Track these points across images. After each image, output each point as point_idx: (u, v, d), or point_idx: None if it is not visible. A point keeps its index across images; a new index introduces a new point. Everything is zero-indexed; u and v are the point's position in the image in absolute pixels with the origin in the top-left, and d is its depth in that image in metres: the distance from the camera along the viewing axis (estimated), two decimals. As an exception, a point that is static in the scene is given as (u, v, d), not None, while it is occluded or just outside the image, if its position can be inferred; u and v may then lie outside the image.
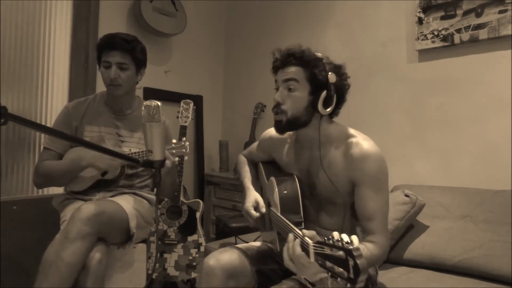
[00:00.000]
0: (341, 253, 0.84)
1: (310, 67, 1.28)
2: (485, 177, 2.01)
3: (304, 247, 0.99)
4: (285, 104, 1.30)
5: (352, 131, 1.34)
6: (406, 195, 1.80)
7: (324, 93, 1.26)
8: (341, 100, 1.32)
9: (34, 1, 2.51)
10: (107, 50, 1.71)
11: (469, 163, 2.10)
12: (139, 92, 2.91)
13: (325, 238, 0.91)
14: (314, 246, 0.95)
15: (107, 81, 1.72)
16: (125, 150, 1.75)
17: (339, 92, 1.30)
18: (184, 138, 1.64)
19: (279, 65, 1.34)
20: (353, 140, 1.29)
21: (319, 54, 1.32)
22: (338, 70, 1.31)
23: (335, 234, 0.88)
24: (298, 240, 1.04)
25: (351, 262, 0.81)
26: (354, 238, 0.85)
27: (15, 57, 2.45)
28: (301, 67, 1.29)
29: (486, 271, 1.58)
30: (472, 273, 1.61)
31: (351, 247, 0.82)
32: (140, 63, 1.78)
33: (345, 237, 0.86)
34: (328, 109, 1.28)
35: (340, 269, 0.85)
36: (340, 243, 0.85)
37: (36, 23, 2.53)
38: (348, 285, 0.83)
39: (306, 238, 0.99)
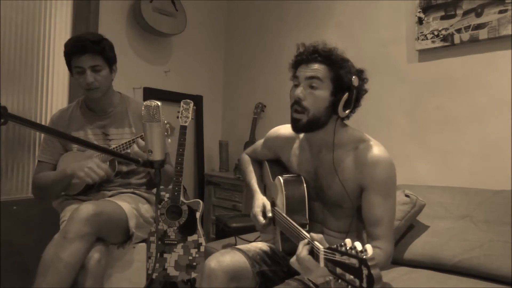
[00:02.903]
0: (353, 261, 0.83)
1: (336, 67, 1.25)
2: (485, 177, 2.00)
3: (314, 252, 0.99)
4: (306, 101, 1.26)
5: (363, 135, 1.32)
6: (406, 195, 1.80)
7: (346, 96, 1.24)
8: (357, 105, 1.31)
9: (34, 1, 2.51)
10: (77, 55, 1.66)
11: (469, 163, 2.10)
12: (139, 92, 2.93)
13: (337, 245, 0.89)
14: (325, 252, 0.93)
15: (84, 85, 1.69)
16: (114, 147, 1.73)
17: (358, 97, 1.29)
18: (166, 121, 1.59)
19: (302, 60, 1.30)
20: (364, 145, 1.27)
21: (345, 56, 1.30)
22: (361, 74, 1.30)
23: (348, 242, 0.87)
24: (307, 243, 1.03)
25: (365, 272, 0.80)
26: (368, 247, 0.83)
27: (15, 57, 2.45)
28: (326, 65, 1.26)
29: (486, 271, 1.58)
30: (472, 273, 1.60)
31: (366, 256, 0.81)
32: (112, 61, 1.75)
33: (358, 245, 0.85)
34: (347, 112, 1.26)
35: (351, 276, 0.83)
36: (353, 251, 0.84)
37: (36, 23, 2.53)
38: None
39: (316, 243, 0.99)
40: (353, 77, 1.24)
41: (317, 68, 1.26)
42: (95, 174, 1.54)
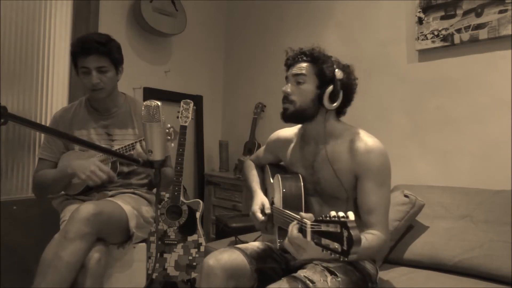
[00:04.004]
0: (336, 228, 0.87)
1: (319, 63, 1.35)
2: (485, 177, 2.01)
3: (302, 227, 1.03)
4: (293, 95, 1.37)
5: (356, 128, 1.38)
6: (406, 196, 1.80)
7: (330, 88, 1.32)
8: (348, 99, 1.38)
9: (34, 1, 2.51)
10: (83, 56, 1.65)
11: (469, 163, 2.10)
12: (139, 92, 2.93)
13: (322, 216, 0.94)
14: (311, 224, 0.98)
15: (89, 86, 1.68)
16: (117, 148, 1.73)
17: (347, 91, 1.35)
18: (169, 125, 1.60)
19: (291, 62, 1.41)
20: (358, 136, 1.34)
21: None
22: (346, 69, 1.37)
23: (332, 212, 0.92)
24: (295, 222, 1.08)
25: (345, 234, 0.84)
26: (350, 213, 0.88)
27: (15, 57, 2.45)
28: (310, 63, 1.37)
29: (486, 271, 1.58)
30: (472, 273, 1.61)
31: (346, 220, 0.86)
32: (118, 62, 1.74)
33: (341, 213, 0.89)
34: (334, 104, 1.33)
35: (335, 244, 0.87)
36: (336, 218, 0.89)
37: (36, 23, 2.53)
38: (341, 258, 0.85)
39: (305, 220, 1.03)
40: (336, 70, 1.33)
41: (302, 66, 1.37)
42: (97, 177, 1.55)
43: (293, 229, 1.07)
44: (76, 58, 1.68)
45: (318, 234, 0.94)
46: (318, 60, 1.35)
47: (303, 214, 1.07)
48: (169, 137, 1.58)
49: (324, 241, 0.91)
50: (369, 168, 1.28)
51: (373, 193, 1.28)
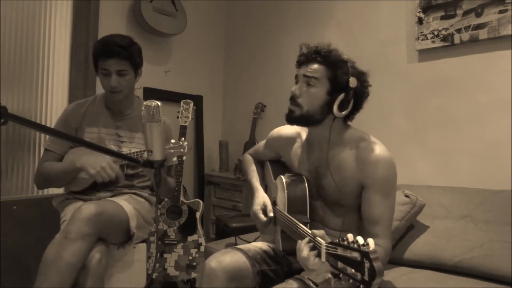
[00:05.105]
0: (355, 254, 0.84)
1: (333, 67, 1.28)
2: (485, 177, 2.00)
3: (316, 247, 1.00)
4: (302, 98, 1.31)
5: (365, 134, 1.33)
6: (406, 196, 1.80)
7: (341, 96, 1.26)
8: (358, 107, 1.33)
9: (34, 1, 2.51)
10: (104, 58, 1.67)
11: (469, 163, 2.10)
12: (139, 92, 2.92)
13: (339, 239, 0.91)
14: (326, 246, 0.95)
15: (108, 88, 1.71)
16: (125, 150, 1.74)
17: (357, 98, 1.30)
18: (183, 138, 1.61)
19: (303, 60, 1.34)
20: (365, 143, 1.29)
21: (345, 57, 1.31)
22: (361, 76, 1.31)
23: (350, 236, 0.88)
24: (307, 240, 1.05)
25: (367, 265, 0.81)
26: (370, 241, 0.85)
27: (15, 57, 2.45)
28: (324, 66, 1.29)
29: (486, 271, 1.58)
30: (472, 273, 1.60)
31: (368, 249, 0.82)
32: (138, 66, 1.76)
33: (360, 239, 0.86)
34: (343, 112, 1.28)
35: (353, 270, 0.84)
36: (355, 245, 0.85)
37: (36, 23, 2.53)
38: (361, 287, 0.83)
39: (318, 238, 1.00)
40: (351, 78, 1.26)
41: (315, 68, 1.29)
42: (106, 174, 1.54)
43: (304, 249, 1.04)
44: (97, 59, 1.70)
45: (333, 257, 0.92)
46: (332, 64, 1.28)
47: (315, 231, 1.04)
48: (182, 150, 1.56)
49: (340, 264, 0.89)
50: (375, 179, 1.24)
51: (379, 204, 1.24)
